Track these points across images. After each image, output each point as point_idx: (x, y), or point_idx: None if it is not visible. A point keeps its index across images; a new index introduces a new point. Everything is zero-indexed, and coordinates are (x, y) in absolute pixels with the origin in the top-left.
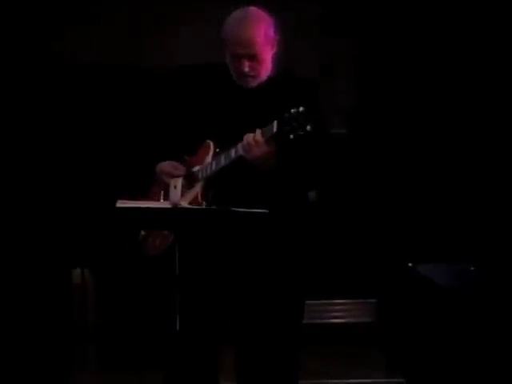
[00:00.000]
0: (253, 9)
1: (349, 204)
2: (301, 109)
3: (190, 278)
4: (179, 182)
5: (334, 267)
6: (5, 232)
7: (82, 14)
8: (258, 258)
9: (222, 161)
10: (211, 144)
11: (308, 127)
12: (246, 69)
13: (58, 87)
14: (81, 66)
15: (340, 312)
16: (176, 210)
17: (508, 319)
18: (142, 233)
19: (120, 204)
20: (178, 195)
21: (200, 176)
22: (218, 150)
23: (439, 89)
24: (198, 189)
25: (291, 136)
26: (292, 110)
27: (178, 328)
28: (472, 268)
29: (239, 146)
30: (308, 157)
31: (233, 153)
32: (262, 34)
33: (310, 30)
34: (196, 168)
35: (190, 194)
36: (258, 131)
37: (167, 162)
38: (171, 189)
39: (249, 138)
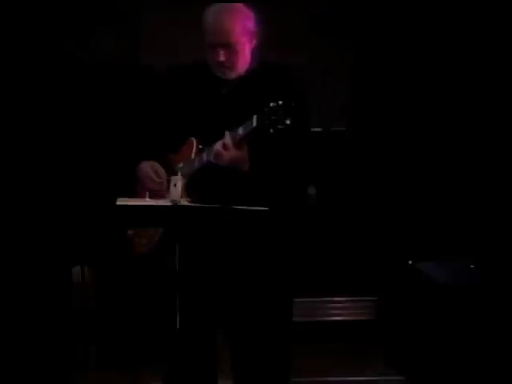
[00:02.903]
0: (232, 3)
1: (349, 202)
2: (280, 102)
3: (190, 276)
4: (179, 180)
5: (334, 265)
6: (5, 231)
7: (81, 14)
8: (248, 256)
9: (205, 158)
10: (194, 141)
11: (287, 121)
12: (221, 58)
13: (57, 86)
14: (82, 65)
15: (340, 309)
16: (176, 207)
17: (508, 316)
18: (129, 232)
19: (120, 202)
20: (178, 193)
21: (184, 173)
22: (200, 146)
23: (437, 86)
24: (181, 186)
25: (271, 130)
26: (271, 104)
27: (178, 326)
28: (472, 265)
29: (210, 150)
30: (287, 153)
31: (204, 157)
32: (237, 25)
33: (308, 30)
34: (180, 165)
35: (177, 191)
36: (227, 135)
37: (149, 164)
38: (171, 187)
39: (217, 145)
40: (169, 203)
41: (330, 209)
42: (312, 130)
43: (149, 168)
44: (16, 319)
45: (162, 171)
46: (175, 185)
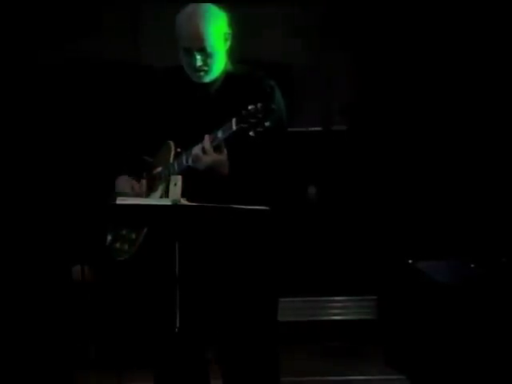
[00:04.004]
0: (204, 4)
1: (349, 201)
2: (259, 105)
3: (190, 275)
4: (179, 179)
5: (334, 264)
6: (5, 231)
7: (81, 14)
8: (243, 256)
9: (184, 162)
10: (172, 144)
11: (267, 123)
12: (198, 63)
13: (55, 85)
14: (79, 65)
15: (340, 309)
16: (176, 207)
17: (508, 316)
18: (109, 238)
19: (120, 201)
20: (178, 192)
21: (162, 177)
22: (178, 150)
23: (438, 85)
24: (162, 190)
25: (251, 133)
26: (249, 107)
27: (177, 325)
28: (472, 265)
29: (189, 154)
30: (265, 156)
31: (184, 161)
32: (212, 28)
33: (310, 29)
34: (159, 169)
35: (156, 195)
36: (206, 138)
37: (126, 181)
38: (171, 186)
39: (196, 149)
40: (169, 202)
41: (331, 208)
42: (312, 129)
43: (126, 185)
44: (16, 318)
45: (137, 187)
46: (175, 184)
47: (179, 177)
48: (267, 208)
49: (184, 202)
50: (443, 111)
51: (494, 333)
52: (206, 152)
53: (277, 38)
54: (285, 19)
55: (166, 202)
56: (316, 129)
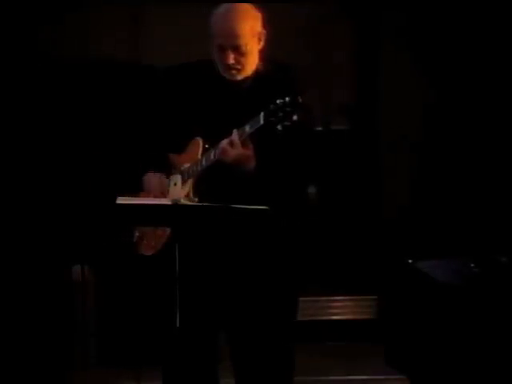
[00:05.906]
0: (240, 3)
1: (349, 201)
2: (287, 99)
3: (190, 275)
4: (179, 178)
5: (334, 264)
6: (5, 231)
7: (81, 14)
8: (250, 256)
9: (212, 156)
10: (200, 141)
11: (295, 117)
12: (231, 61)
13: (56, 85)
14: (80, 65)
15: (340, 308)
16: (176, 206)
17: (508, 316)
18: (137, 234)
19: (120, 200)
20: (179, 192)
21: (190, 173)
22: (207, 146)
23: (438, 85)
24: (189, 185)
25: (279, 127)
26: (278, 101)
27: (177, 324)
28: (472, 265)
29: (217, 148)
30: (294, 151)
31: (212, 155)
32: (247, 27)
33: (310, 29)
34: (186, 165)
35: (182, 191)
36: (235, 132)
37: (157, 178)
38: (171, 186)
39: (223, 142)
40: (169, 202)
41: (331, 208)
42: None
43: (157, 182)
44: (16, 318)
45: (164, 181)
46: (175, 184)
47: (179, 176)
48: (267, 208)
49: (184, 201)
50: (442, 111)
51: (494, 333)
52: (233, 145)
53: (277, 38)
54: (285, 19)
55: (166, 201)
56: (316, 129)
